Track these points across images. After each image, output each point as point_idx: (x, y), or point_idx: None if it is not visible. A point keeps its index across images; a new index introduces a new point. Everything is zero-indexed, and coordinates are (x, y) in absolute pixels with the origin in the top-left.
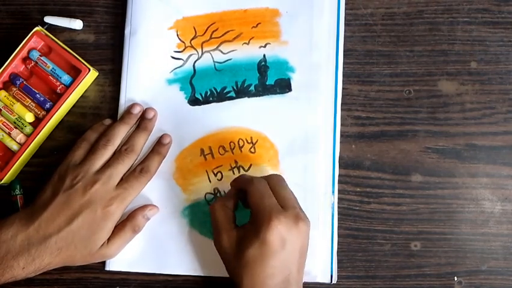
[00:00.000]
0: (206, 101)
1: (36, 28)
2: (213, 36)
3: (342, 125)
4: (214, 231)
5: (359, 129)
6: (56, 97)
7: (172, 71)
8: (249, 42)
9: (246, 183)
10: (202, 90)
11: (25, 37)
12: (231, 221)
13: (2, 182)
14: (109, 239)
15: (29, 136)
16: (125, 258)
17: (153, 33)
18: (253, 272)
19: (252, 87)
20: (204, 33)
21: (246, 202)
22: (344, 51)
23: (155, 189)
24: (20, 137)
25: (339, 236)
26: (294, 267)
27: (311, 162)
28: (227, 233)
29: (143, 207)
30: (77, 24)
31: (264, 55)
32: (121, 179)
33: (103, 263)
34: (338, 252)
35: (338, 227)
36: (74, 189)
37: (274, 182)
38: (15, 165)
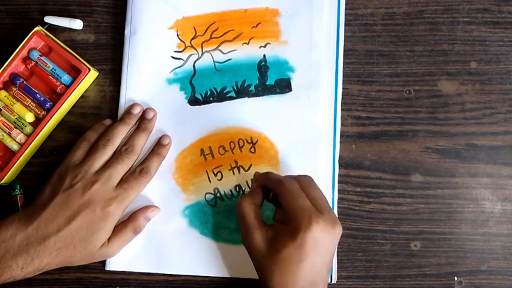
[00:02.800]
0: (206, 101)
1: (37, 28)
2: (213, 36)
3: (342, 125)
4: (242, 229)
5: (359, 129)
6: (56, 97)
7: (172, 71)
8: (249, 42)
9: (276, 183)
10: (202, 90)
11: (25, 37)
12: (260, 218)
13: (2, 182)
14: (109, 239)
15: (29, 136)
16: (125, 258)
17: (153, 33)
18: (285, 271)
19: (252, 87)
20: (204, 33)
21: (274, 200)
22: (344, 51)
23: (155, 189)
24: (20, 137)
25: None
26: (325, 268)
27: (311, 162)
28: (258, 231)
29: (144, 208)
30: (77, 24)
31: (264, 55)
32: (121, 180)
33: (103, 263)
34: (338, 252)
35: None
36: (74, 189)
37: (305, 184)
38: (15, 165)
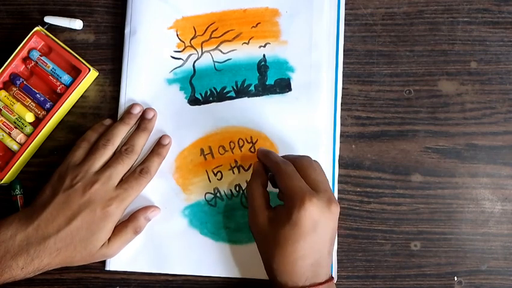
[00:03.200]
0: (206, 100)
1: (37, 28)
2: (212, 36)
3: (342, 125)
4: (250, 211)
5: (359, 129)
6: (56, 97)
7: (172, 70)
8: (248, 42)
9: (273, 165)
10: (202, 90)
11: (25, 37)
12: (266, 200)
13: (2, 182)
14: (109, 239)
15: (29, 136)
16: (125, 258)
17: (153, 33)
18: (284, 252)
19: (252, 87)
20: (204, 33)
21: (272, 180)
22: (344, 51)
23: (155, 189)
24: (20, 137)
25: (339, 236)
26: (325, 249)
27: None
28: (262, 213)
29: (145, 208)
30: (77, 24)
31: (264, 55)
32: (121, 180)
33: (103, 263)
34: (338, 252)
35: (338, 227)
36: (74, 189)
37: (302, 165)
38: (15, 165)
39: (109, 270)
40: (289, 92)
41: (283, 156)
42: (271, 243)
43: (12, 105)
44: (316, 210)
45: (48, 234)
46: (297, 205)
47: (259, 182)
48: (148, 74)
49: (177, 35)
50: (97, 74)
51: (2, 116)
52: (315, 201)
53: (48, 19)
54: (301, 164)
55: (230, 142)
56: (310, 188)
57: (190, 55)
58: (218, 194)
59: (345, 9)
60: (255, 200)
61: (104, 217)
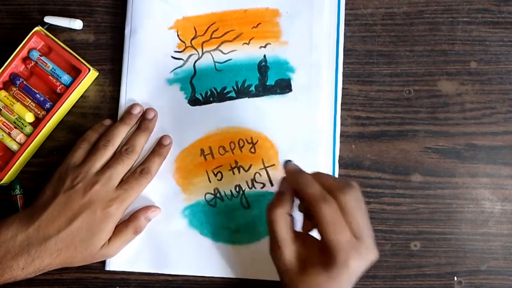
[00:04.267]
0: (206, 101)
1: (36, 28)
2: (213, 36)
3: (342, 125)
4: (272, 241)
5: (359, 129)
6: (56, 97)
7: (172, 71)
8: (249, 42)
9: (309, 199)
10: (202, 90)
11: (25, 37)
12: (291, 230)
13: (2, 182)
14: (110, 239)
15: (29, 136)
16: (125, 258)
17: (153, 33)
18: None
19: (253, 88)
20: (204, 33)
21: (303, 209)
22: (344, 51)
23: (155, 189)
24: (20, 137)
25: None
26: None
27: (311, 162)
28: (288, 247)
29: (145, 208)
30: (77, 24)
31: (265, 55)
32: (122, 180)
33: (103, 263)
34: None
35: None
36: (74, 190)
37: (349, 205)
38: (15, 165)
39: (109, 270)
40: (289, 93)
41: (313, 175)
42: (301, 279)
43: (12, 105)
44: (358, 264)
45: (49, 235)
46: (340, 261)
47: (285, 209)
48: (148, 74)
49: (178, 35)
50: (97, 74)
51: (2, 116)
52: (358, 257)
53: (48, 19)
54: (346, 204)
55: (230, 142)
56: (354, 236)
57: (191, 55)
58: (218, 195)
59: (345, 9)
60: (280, 231)
61: (105, 218)
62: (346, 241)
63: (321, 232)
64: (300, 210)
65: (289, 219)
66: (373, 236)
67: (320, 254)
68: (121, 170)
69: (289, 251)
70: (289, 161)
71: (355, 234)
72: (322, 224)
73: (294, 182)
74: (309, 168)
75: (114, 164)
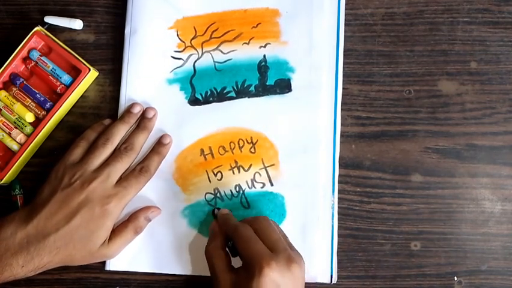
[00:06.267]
0: (206, 101)
1: (36, 28)
2: (213, 36)
3: (342, 125)
4: (211, 275)
5: (359, 129)
6: (56, 97)
7: (172, 70)
8: (249, 42)
9: (230, 230)
10: (202, 90)
11: (25, 37)
12: (226, 262)
13: (2, 182)
14: (109, 239)
15: (29, 136)
16: (125, 258)
17: (153, 33)
18: None
19: (252, 88)
20: (204, 33)
21: (233, 248)
22: (344, 51)
23: (155, 189)
24: (20, 137)
25: (339, 236)
26: None
27: (311, 162)
28: (224, 277)
29: (145, 209)
30: (77, 24)
31: (264, 55)
32: (120, 178)
33: (103, 263)
34: (338, 252)
35: (338, 227)
36: (72, 187)
37: (259, 226)
38: (15, 165)
39: (109, 270)
40: (289, 93)
41: (241, 221)
42: None
43: (12, 105)
44: (276, 274)
45: (48, 233)
46: (256, 272)
47: (218, 243)
48: (148, 74)
49: (177, 35)
50: (97, 74)
51: (2, 116)
52: (273, 265)
53: (48, 19)
54: (259, 226)
55: (230, 142)
56: (270, 250)
57: (191, 55)
58: (218, 195)
59: (345, 9)
60: (215, 263)
61: (103, 215)
62: (259, 249)
63: (240, 252)
64: (229, 248)
65: (223, 254)
66: (291, 248)
67: (246, 275)
68: (119, 167)
69: (224, 280)
70: (218, 208)
71: (270, 247)
72: (239, 243)
73: (223, 222)
74: (309, 169)
75: (113, 161)
